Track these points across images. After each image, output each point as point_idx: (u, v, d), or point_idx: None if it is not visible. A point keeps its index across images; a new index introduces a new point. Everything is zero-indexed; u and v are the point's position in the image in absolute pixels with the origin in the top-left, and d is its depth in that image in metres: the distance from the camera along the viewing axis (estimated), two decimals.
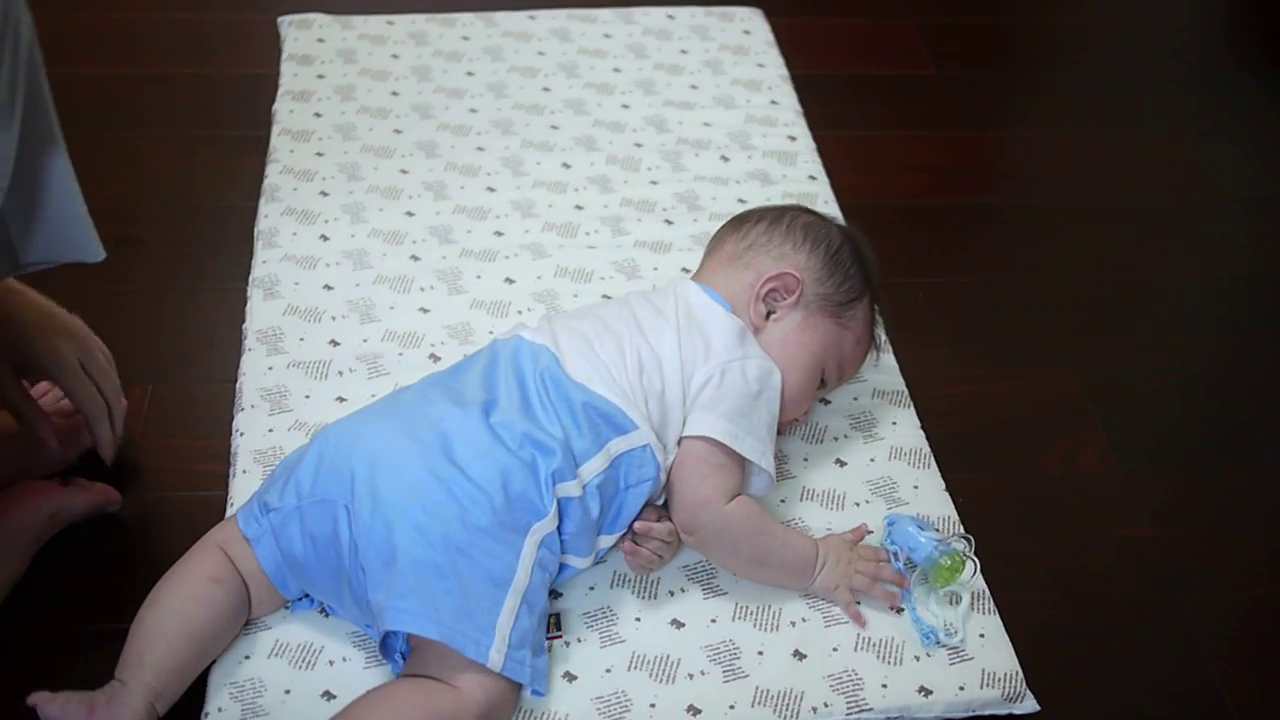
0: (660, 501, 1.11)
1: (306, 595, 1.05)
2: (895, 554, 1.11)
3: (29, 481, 1.10)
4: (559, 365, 1.06)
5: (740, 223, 1.22)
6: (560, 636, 1.05)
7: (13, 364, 1.10)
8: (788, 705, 1.02)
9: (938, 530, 1.15)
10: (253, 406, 1.24)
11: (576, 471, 1.02)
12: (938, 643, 1.07)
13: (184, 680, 0.98)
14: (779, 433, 1.16)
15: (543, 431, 1.02)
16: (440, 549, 0.95)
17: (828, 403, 1.29)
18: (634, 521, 1.08)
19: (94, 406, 1.12)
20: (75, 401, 1.12)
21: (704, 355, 1.09)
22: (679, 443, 1.08)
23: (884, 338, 1.30)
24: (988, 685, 1.05)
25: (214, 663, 1.02)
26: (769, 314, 1.15)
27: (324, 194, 1.51)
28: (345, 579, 0.99)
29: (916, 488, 1.21)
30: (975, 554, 1.10)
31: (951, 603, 1.10)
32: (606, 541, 1.07)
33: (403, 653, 1.00)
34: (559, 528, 1.02)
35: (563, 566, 1.05)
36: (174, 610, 0.99)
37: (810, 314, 1.15)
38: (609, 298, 1.36)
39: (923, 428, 1.28)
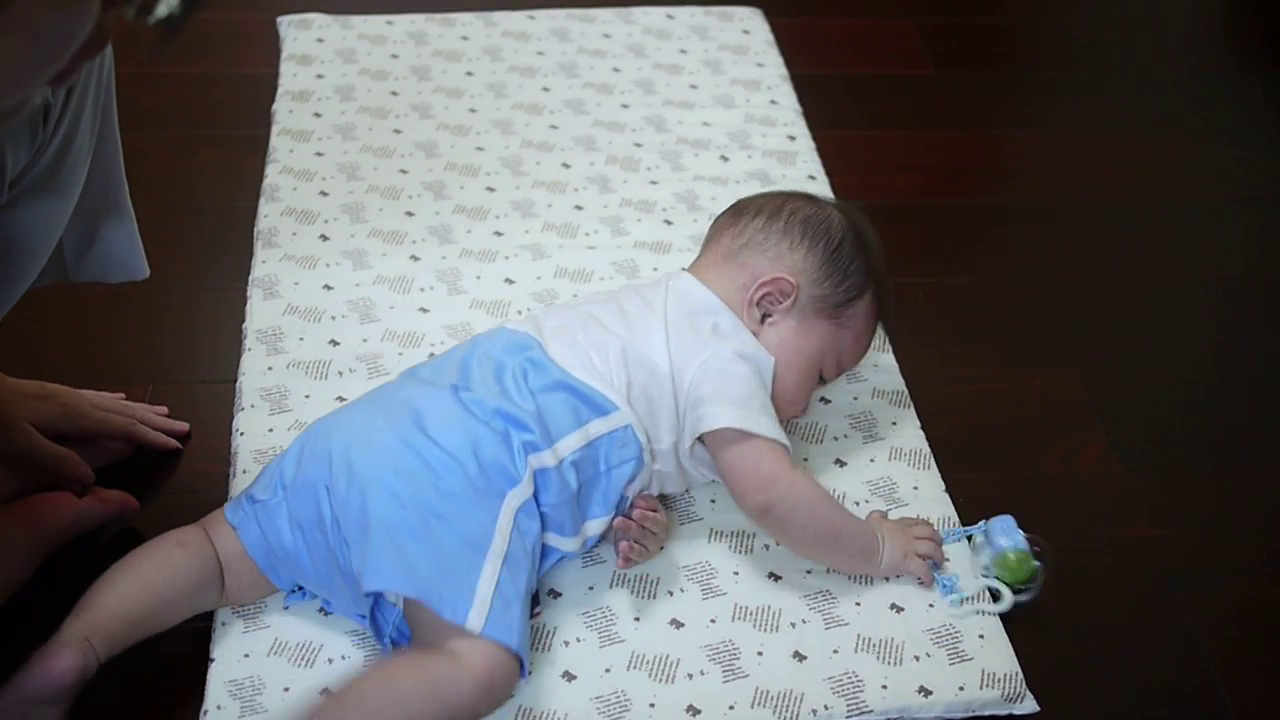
0: (656, 492, 1.11)
1: (300, 588, 1.05)
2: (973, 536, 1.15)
3: (46, 493, 1.10)
4: (543, 351, 1.07)
5: (738, 215, 1.19)
6: (539, 614, 1.05)
7: (32, 424, 1.12)
8: (788, 707, 1.02)
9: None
10: (253, 406, 1.24)
11: (552, 445, 1.02)
12: (949, 593, 1.10)
13: (129, 629, 0.97)
14: None
15: (514, 405, 1.02)
16: (414, 511, 0.96)
17: (828, 402, 1.29)
18: (625, 510, 1.08)
19: (67, 464, 1.12)
20: (49, 466, 1.12)
21: (694, 346, 1.09)
22: (696, 442, 1.08)
23: (886, 331, 1.30)
24: (987, 685, 1.05)
25: (213, 661, 1.02)
26: (764, 317, 1.14)
27: (324, 194, 1.51)
28: (335, 562, 0.99)
29: (916, 488, 1.21)
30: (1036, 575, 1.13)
31: (985, 587, 1.11)
32: (595, 527, 1.07)
33: (393, 639, 1.00)
34: (538, 498, 1.02)
35: (549, 549, 1.05)
36: (129, 564, 0.99)
37: (806, 317, 1.14)
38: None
39: (923, 428, 1.28)
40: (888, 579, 1.12)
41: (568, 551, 1.07)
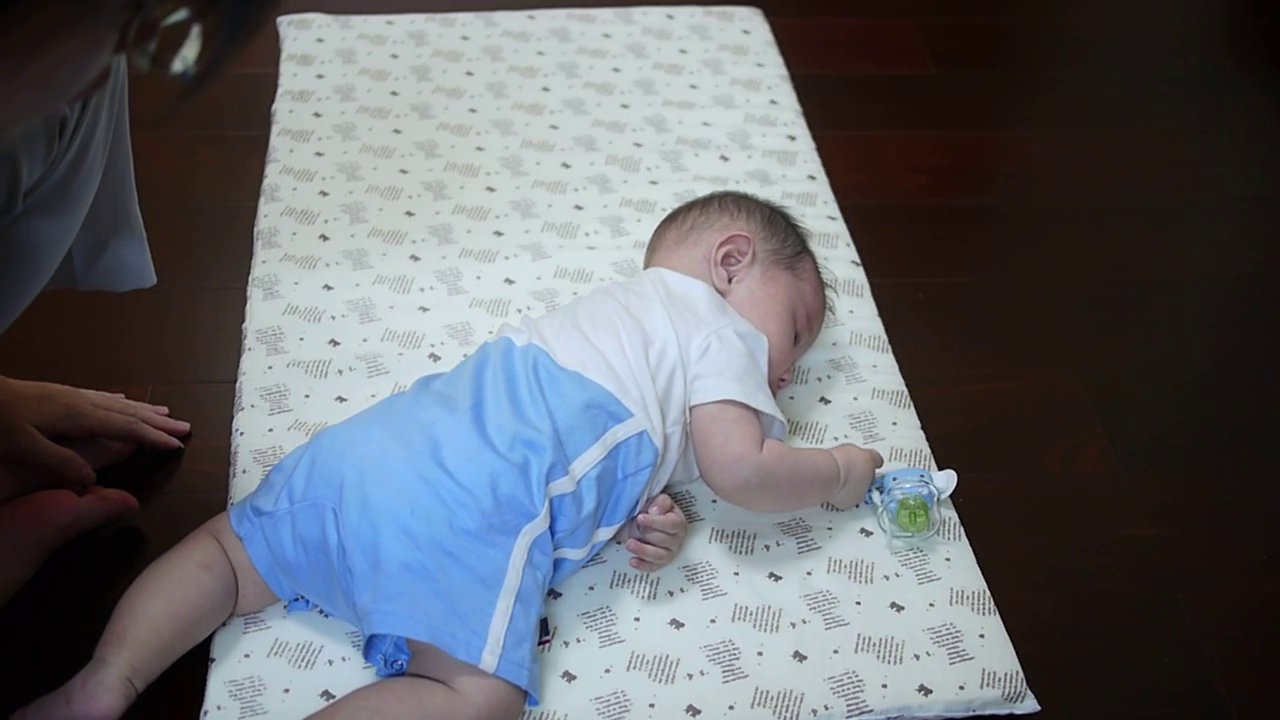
0: (658, 491, 1.11)
1: (302, 597, 1.05)
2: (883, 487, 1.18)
3: (46, 491, 1.10)
4: (550, 358, 1.07)
5: (673, 216, 1.29)
6: (549, 641, 1.05)
7: (35, 425, 1.12)
8: (788, 707, 1.02)
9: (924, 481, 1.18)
10: (253, 406, 1.24)
11: (569, 467, 1.02)
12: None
13: (163, 660, 0.97)
14: None
15: (532, 429, 1.02)
16: (428, 552, 0.95)
17: (828, 402, 1.29)
18: (635, 514, 1.08)
19: (70, 465, 1.12)
20: (52, 468, 1.12)
21: (695, 324, 1.13)
22: (689, 411, 1.10)
23: (836, 297, 1.35)
24: (988, 685, 1.05)
25: (213, 661, 1.02)
26: (730, 279, 1.21)
27: (324, 194, 1.51)
28: (336, 582, 0.99)
29: None
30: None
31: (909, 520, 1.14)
32: (605, 534, 1.07)
33: (386, 656, 1.00)
34: (554, 527, 1.02)
35: (560, 561, 1.05)
36: (161, 591, 0.99)
37: (767, 268, 1.22)
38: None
39: (923, 428, 1.28)
40: (886, 577, 1.12)
41: (577, 560, 1.07)
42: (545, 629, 1.05)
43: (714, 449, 1.09)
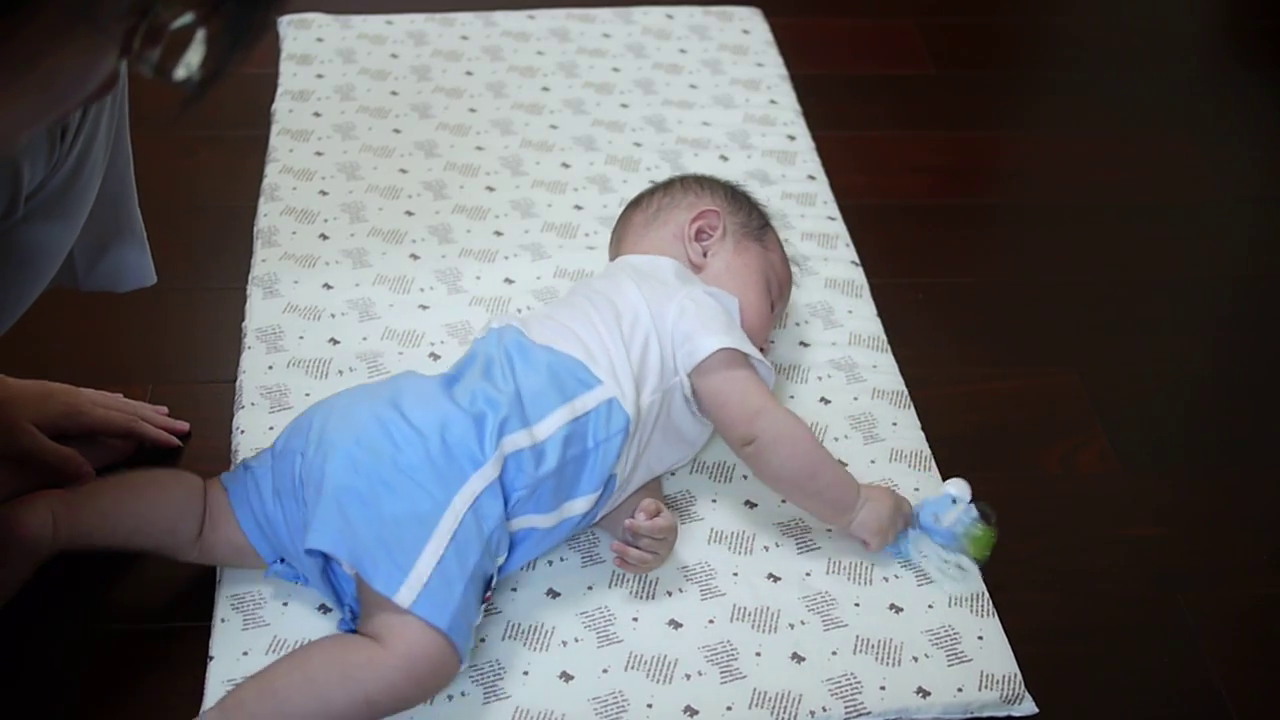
0: (648, 478, 1.11)
1: (283, 560, 1.05)
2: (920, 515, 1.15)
3: (46, 491, 1.10)
4: (523, 334, 1.10)
5: (637, 202, 1.31)
6: (489, 598, 1.02)
7: (35, 423, 1.12)
8: (785, 708, 1.02)
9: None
10: (253, 405, 1.24)
11: (531, 428, 1.03)
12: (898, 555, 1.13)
13: (99, 516, 1.01)
14: None
15: (494, 389, 1.04)
16: (365, 479, 0.97)
17: (828, 402, 1.29)
18: (613, 490, 1.08)
19: (70, 464, 1.12)
20: (52, 466, 1.12)
21: (665, 293, 1.15)
22: (690, 381, 1.11)
23: (798, 269, 1.37)
24: (986, 687, 1.05)
25: (212, 659, 1.02)
26: (705, 253, 1.23)
27: (323, 193, 1.51)
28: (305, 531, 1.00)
29: (917, 489, 1.21)
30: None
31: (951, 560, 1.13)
32: (578, 506, 1.06)
33: (353, 610, 1.01)
34: (509, 481, 1.01)
35: (528, 531, 1.04)
36: (121, 474, 1.05)
37: (738, 240, 1.25)
38: None
39: (923, 428, 1.28)
40: (885, 579, 1.12)
41: (544, 528, 1.05)
42: (486, 586, 1.01)
43: (734, 405, 1.10)
